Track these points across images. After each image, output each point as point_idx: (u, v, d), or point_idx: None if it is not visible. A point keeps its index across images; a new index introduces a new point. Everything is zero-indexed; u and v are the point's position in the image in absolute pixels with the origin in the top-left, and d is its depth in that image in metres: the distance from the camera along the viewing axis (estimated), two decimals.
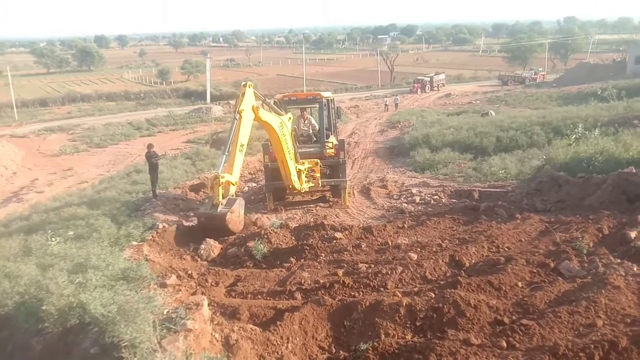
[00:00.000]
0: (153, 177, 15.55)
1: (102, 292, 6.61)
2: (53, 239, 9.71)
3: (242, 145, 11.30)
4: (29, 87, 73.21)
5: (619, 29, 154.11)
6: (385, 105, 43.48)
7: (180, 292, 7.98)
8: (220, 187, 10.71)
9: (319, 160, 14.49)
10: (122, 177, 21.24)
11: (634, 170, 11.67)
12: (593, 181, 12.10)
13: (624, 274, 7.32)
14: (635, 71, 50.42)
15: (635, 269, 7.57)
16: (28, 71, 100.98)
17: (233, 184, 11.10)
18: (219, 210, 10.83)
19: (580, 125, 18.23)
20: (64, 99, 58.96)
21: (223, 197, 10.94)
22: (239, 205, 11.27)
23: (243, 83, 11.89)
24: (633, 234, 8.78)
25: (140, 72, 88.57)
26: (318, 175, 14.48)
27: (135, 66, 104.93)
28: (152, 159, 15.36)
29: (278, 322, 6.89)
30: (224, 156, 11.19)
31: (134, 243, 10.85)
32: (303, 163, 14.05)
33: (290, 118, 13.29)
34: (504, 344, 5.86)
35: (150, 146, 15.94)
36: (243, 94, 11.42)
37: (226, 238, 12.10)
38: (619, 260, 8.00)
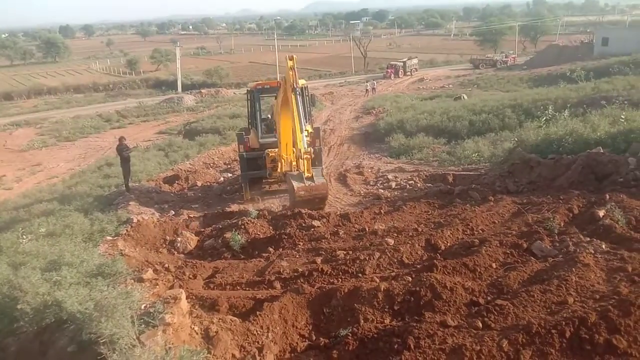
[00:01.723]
0: (125, 170, 15.32)
1: (77, 289, 6.51)
2: (24, 237, 9.51)
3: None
4: None
5: (586, 10, 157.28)
6: (366, 90, 43.69)
7: (157, 286, 7.92)
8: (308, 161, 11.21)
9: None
10: (94, 171, 20.85)
11: (601, 150, 11.99)
12: (563, 162, 12.38)
13: (593, 251, 7.54)
14: (602, 52, 51.53)
15: (603, 246, 7.80)
16: None
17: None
18: (316, 181, 11.24)
19: (550, 107, 18.62)
20: (29, 92, 57.19)
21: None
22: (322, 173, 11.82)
23: (289, 56, 12.06)
24: (601, 213, 9.04)
25: (108, 62, 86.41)
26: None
27: (103, 56, 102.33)
28: (123, 152, 15.12)
29: (258, 312, 6.90)
30: (303, 135, 11.63)
31: (108, 238, 10.71)
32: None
33: None
34: (480, 325, 5.99)
35: (121, 139, 15.67)
36: (291, 68, 11.72)
37: (202, 230, 12.04)
38: (588, 239, 8.23)
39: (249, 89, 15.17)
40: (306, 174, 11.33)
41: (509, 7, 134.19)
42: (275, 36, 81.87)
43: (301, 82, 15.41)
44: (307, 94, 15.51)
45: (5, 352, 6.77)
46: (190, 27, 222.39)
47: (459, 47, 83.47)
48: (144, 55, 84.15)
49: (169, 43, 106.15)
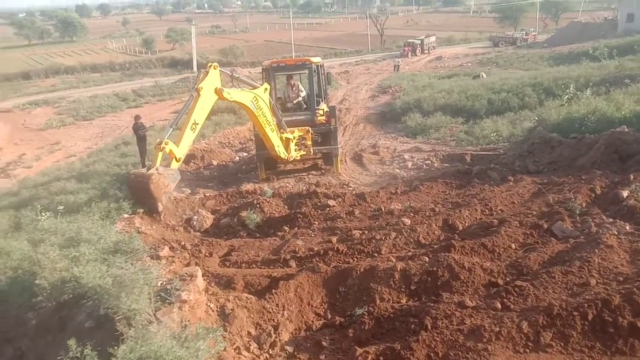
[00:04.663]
0: (141, 149, 15.33)
1: (95, 265, 6.56)
2: (43, 214, 9.57)
3: (195, 124, 10.76)
4: (11, 60, 71.30)
5: None
6: (395, 66, 43.29)
7: (173, 264, 7.96)
8: (161, 153, 10.28)
9: (310, 128, 14.29)
10: (111, 150, 20.95)
11: (626, 129, 11.65)
12: (585, 141, 12.07)
13: (616, 233, 7.36)
14: (627, 29, 49.85)
15: (627, 227, 7.61)
16: (8, 43, 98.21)
17: (176, 159, 10.55)
18: (149, 172, 10.38)
19: (571, 86, 18.12)
20: (47, 72, 57.45)
21: (162, 166, 10.56)
22: (172, 176, 10.68)
23: (209, 64, 11.42)
24: (625, 193, 8.81)
25: (124, 41, 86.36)
26: (309, 143, 14.31)
27: (119, 35, 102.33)
28: (139, 131, 15.12)
29: (273, 290, 6.90)
30: (170, 129, 10.88)
31: (125, 216, 10.74)
32: (293, 131, 13.84)
33: (266, 89, 12.69)
34: (499, 305, 5.91)
35: (137, 118, 15.67)
36: (206, 72, 11.05)
37: (218, 208, 12.04)
38: (611, 220, 8.04)
39: (264, 66, 14.96)
40: (150, 165, 10.57)
41: None
42: (291, 14, 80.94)
43: (316, 59, 15.23)
44: (322, 72, 15.29)
45: (26, 326, 6.88)
46: (206, 5, 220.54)
47: (478, 25, 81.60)
48: (160, 35, 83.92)
49: (185, 22, 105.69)
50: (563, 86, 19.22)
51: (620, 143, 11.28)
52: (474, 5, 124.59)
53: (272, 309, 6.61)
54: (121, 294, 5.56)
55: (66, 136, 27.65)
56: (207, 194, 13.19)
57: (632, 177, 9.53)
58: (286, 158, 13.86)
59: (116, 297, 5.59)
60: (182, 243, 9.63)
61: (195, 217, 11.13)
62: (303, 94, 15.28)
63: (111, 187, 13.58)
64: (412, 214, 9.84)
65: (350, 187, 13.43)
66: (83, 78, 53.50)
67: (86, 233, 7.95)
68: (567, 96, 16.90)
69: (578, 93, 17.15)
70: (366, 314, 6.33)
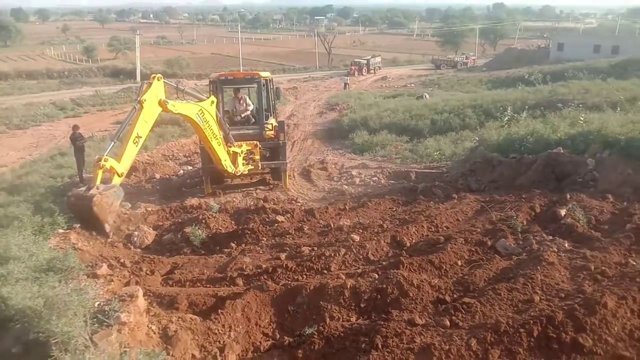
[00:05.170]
0: (79, 160, 14.63)
1: (25, 285, 6.07)
2: None
3: (138, 137, 10.37)
4: None
5: (543, 16, 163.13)
6: (345, 84, 44.18)
7: (112, 283, 7.53)
8: (101, 171, 9.82)
9: (258, 143, 14.12)
10: (46, 161, 19.82)
11: (561, 151, 12.27)
12: (524, 161, 12.61)
13: (556, 250, 7.64)
14: (557, 57, 53.36)
15: (566, 245, 7.93)
16: None
17: (118, 175, 10.13)
18: (90, 192, 9.89)
19: (509, 108, 18.98)
20: None
21: (103, 183, 10.07)
22: (115, 194, 10.23)
23: (153, 75, 11.07)
24: (563, 212, 9.21)
25: (63, 48, 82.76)
26: (257, 157, 14.12)
27: (58, 42, 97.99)
28: (77, 141, 14.44)
29: (219, 310, 6.64)
30: (112, 142, 10.45)
31: (60, 231, 10.10)
32: (240, 145, 13.63)
33: (212, 102, 12.39)
34: (448, 323, 5.94)
35: (75, 128, 14.97)
36: (149, 84, 10.69)
37: (160, 224, 11.59)
38: (551, 237, 8.36)
39: (211, 79, 14.69)
40: (91, 184, 10.05)
41: (470, 10, 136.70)
42: (239, 28, 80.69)
43: (266, 74, 15.13)
44: (271, 86, 15.20)
45: None
46: (151, 15, 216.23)
47: (421, 47, 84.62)
48: (102, 43, 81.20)
49: (129, 31, 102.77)
50: (501, 108, 20.13)
51: (556, 163, 11.88)
52: (418, 28, 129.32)
53: (217, 330, 6.34)
54: (53, 317, 5.15)
55: None
56: (149, 209, 12.67)
57: (568, 196, 10.00)
58: (233, 172, 13.60)
59: (47, 320, 5.17)
60: (122, 260, 9.13)
61: (136, 233, 10.62)
62: (251, 107, 15.11)
63: (45, 200, 12.84)
64: (361, 230, 9.84)
65: (299, 202, 13.32)
66: (17, 85, 50.70)
67: (16, 249, 7.38)
68: (507, 118, 17.66)
69: (515, 115, 17.98)
70: (316, 333, 6.19)
